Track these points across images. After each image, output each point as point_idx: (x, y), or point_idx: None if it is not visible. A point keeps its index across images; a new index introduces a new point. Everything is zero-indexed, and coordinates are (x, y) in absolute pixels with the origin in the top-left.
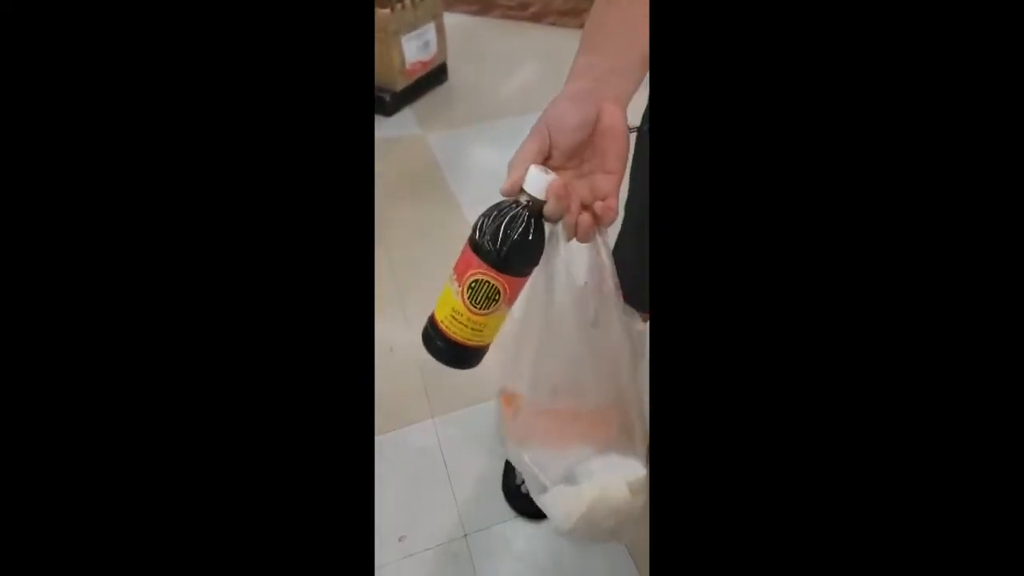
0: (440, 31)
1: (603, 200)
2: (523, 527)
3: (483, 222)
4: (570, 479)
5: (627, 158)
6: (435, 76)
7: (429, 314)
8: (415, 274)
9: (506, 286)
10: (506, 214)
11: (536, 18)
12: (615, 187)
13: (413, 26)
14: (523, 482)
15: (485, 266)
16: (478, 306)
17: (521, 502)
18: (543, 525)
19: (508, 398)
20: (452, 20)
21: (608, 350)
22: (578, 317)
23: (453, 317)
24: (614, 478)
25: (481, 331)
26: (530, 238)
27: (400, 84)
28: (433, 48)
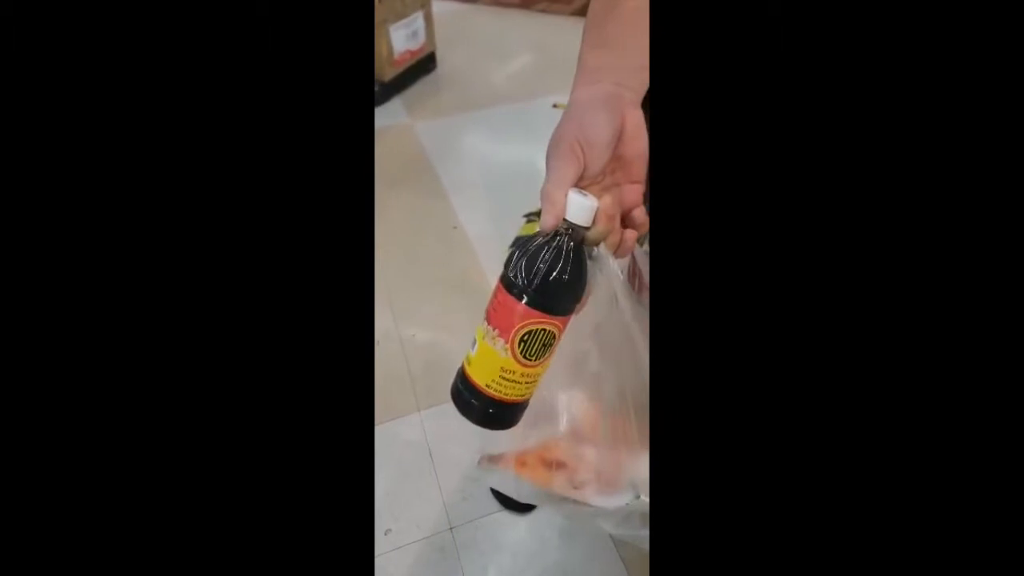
0: (428, 20)
1: (631, 203)
2: (508, 520)
3: (521, 264)
4: None
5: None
6: (424, 65)
7: (458, 375)
8: (403, 265)
9: (561, 327)
10: (547, 250)
11: (526, 4)
12: (642, 196)
13: (401, 15)
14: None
15: (538, 314)
16: (533, 357)
17: (507, 496)
18: (528, 518)
19: (541, 459)
20: (441, 8)
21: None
22: (639, 330)
23: (503, 378)
24: None
25: (534, 382)
26: (581, 271)
27: (388, 74)
28: (421, 37)
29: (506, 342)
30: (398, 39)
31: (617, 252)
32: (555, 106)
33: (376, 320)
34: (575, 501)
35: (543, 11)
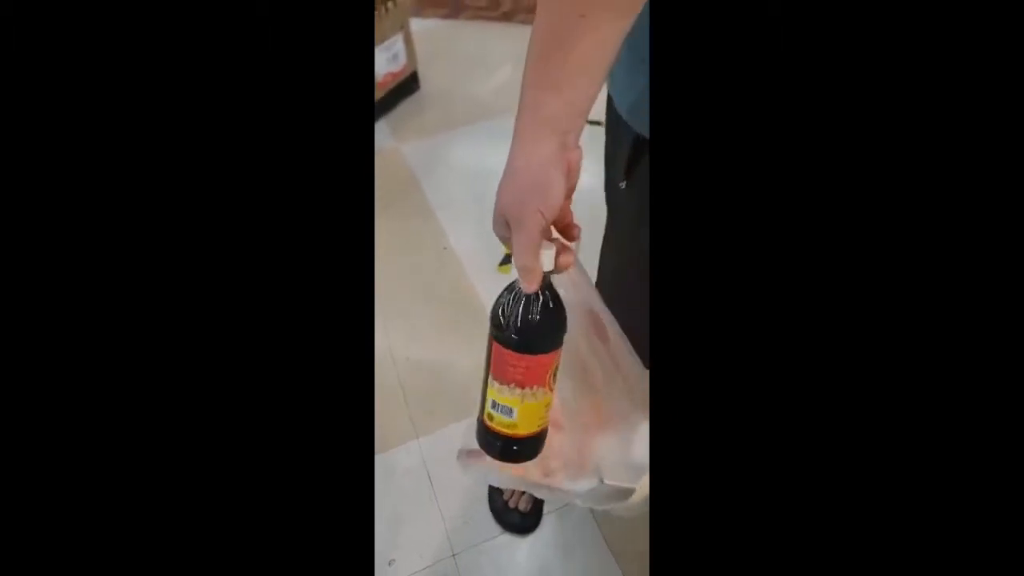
0: (408, 40)
1: (566, 223)
2: (511, 543)
3: (527, 328)
4: (640, 469)
5: None
6: (406, 86)
7: (495, 438)
8: (395, 287)
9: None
10: (539, 303)
11: (507, 17)
12: (570, 209)
13: (381, 38)
14: (510, 498)
15: (557, 352)
16: (557, 380)
17: (508, 518)
18: (528, 539)
19: None
20: (422, 25)
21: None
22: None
23: (547, 413)
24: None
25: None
26: (561, 302)
27: None
28: (402, 59)
29: (547, 389)
30: (379, 62)
31: (563, 266)
32: None
33: None
34: (548, 487)
35: (524, 23)
